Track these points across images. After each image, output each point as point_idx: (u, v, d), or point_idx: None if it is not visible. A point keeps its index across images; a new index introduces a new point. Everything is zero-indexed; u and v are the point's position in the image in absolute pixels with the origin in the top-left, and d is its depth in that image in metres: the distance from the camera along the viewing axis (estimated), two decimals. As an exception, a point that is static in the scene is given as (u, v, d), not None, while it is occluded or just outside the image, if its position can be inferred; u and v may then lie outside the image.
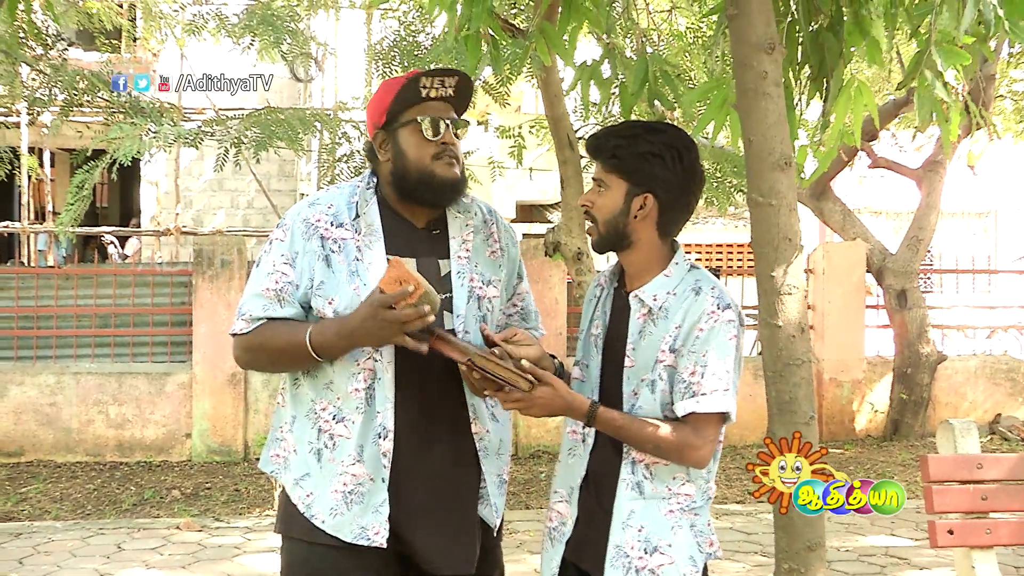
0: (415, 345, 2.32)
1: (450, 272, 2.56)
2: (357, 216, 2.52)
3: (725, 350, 2.39)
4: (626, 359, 2.46)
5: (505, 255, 2.70)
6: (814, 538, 2.66)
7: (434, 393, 2.50)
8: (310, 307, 2.50)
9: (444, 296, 2.51)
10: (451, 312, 2.53)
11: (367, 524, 2.44)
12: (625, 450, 2.44)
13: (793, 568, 2.67)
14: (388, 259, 2.38)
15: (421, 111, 2.50)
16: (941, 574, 5.64)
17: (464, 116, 2.62)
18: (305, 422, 2.52)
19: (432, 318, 2.30)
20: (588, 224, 2.52)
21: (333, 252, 2.48)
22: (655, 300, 2.44)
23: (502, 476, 2.66)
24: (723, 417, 2.41)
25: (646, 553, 2.41)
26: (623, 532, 2.42)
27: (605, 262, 8.64)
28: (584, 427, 2.49)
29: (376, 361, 2.45)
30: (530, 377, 2.33)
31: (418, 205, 2.55)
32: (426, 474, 2.49)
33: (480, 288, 2.59)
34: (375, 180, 2.61)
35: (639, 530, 2.42)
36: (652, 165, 2.41)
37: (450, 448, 2.52)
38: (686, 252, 2.54)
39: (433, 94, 2.50)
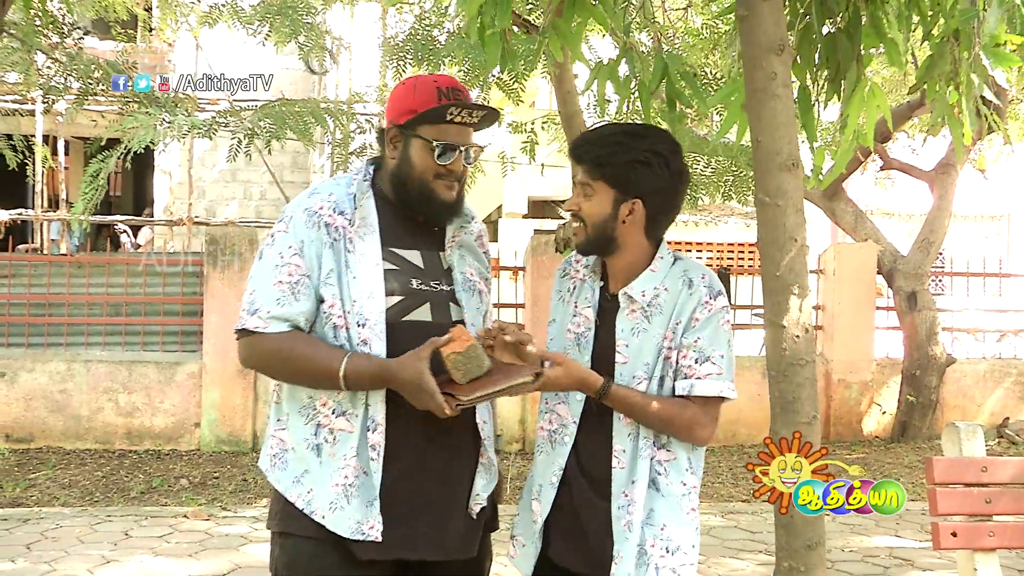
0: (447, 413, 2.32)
1: (452, 266, 2.57)
2: (355, 207, 2.48)
3: (719, 335, 2.44)
4: (617, 355, 2.47)
5: (488, 257, 2.72)
6: (814, 537, 2.67)
7: None
8: (322, 299, 2.44)
9: (447, 288, 2.53)
10: (456, 304, 2.55)
11: (361, 519, 2.41)
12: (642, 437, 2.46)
13: (793, 566, 2.68)
14: (453, 326, 2.37)
15: (439, 133, 2.46)
16: (945, 576, 5.65)
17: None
18: (299, 418, 2.48)
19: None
20: (575, 225, 2.51)
21: (336, 240, 2.45)
22: (643, 296, 2.46)
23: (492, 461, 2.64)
24: (721, 399, 2.46)
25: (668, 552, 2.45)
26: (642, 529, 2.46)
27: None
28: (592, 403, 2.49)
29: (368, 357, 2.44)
30: (536, 369, 2.34)
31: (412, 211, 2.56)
32: (418, 466, 2.46)
33: (479, 283, 2.60)
34: (372, 171, 2.59)
35: (661, 528, 2.45)
36: (639, 173, 2.41)
37: (449, 439, 2.49)
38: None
39: (457, 120, 2.48)
